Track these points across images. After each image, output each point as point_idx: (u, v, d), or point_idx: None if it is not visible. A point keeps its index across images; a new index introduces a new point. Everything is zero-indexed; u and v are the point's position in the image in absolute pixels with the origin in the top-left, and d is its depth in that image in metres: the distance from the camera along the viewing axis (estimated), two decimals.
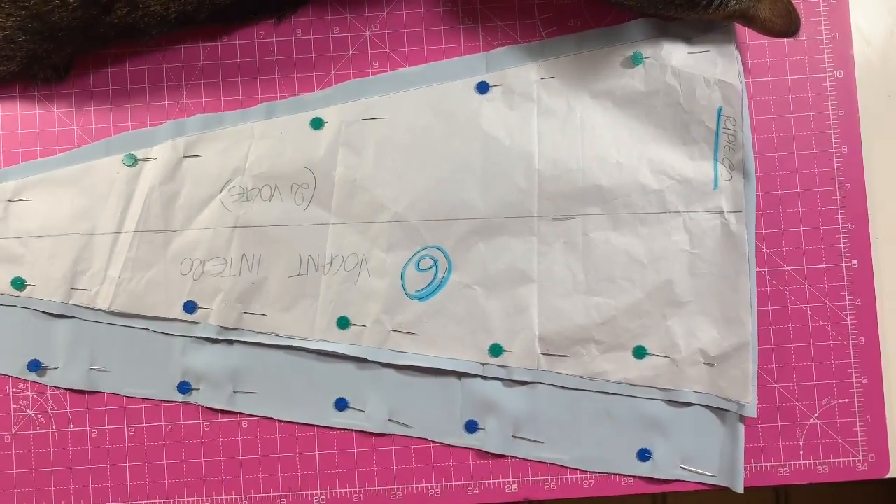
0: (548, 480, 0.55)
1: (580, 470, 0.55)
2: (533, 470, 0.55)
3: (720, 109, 0.54)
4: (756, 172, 0.54)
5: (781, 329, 0.55)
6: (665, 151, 0.54)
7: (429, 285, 0.55)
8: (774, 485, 0.54)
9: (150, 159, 0.55)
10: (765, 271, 0.55)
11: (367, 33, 0.56)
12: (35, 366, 0.56)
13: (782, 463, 0.54)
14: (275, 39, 0.56)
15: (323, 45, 0.56)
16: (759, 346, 0.54)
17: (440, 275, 0.55)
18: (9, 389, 0.56)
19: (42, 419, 0.56)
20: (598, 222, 0.54)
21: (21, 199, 0.56)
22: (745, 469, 0.54)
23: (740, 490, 0.53)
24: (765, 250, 0.55)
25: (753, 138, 0.55)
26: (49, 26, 0.50)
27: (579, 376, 0.54)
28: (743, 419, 0.54)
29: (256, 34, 0.56)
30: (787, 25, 0.51)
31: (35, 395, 0.56)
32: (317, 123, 0.55)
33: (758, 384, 0.53)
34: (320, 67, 0.56)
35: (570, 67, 0.55)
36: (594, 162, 0.54)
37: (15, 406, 0.56)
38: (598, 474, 0.55)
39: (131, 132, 0.56)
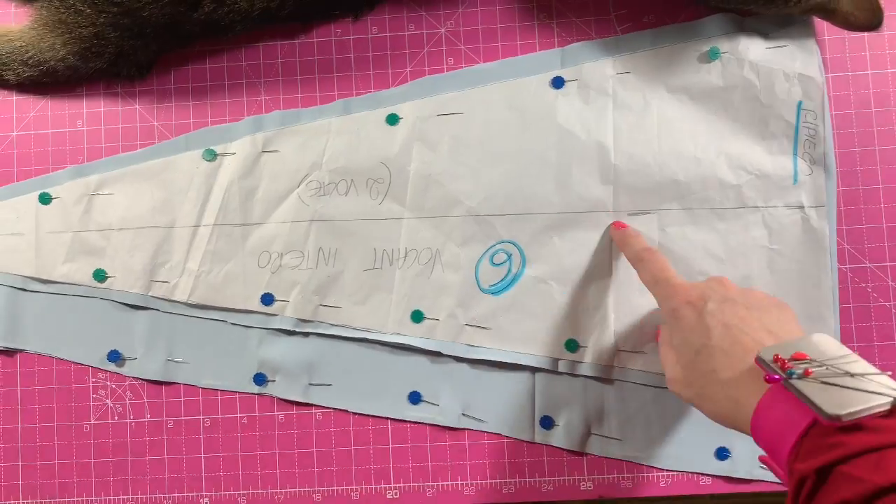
0: (624, 478, 0.54)
1: (657, 468, 0.54)
2: (608, 467, 0.54)
3: (800, 103, 0.53)
4: (836, 167, 0.54)
5: (864, 326, 0.54)
6: (743, 146, 0.54)
7: (503, 280, 0.55)
8: None
9: (229, 154, 0.56)
10: (846, 268, 0.54)
11: (443, 30, 0.57)
12: (114, 356, 0.57)
13: None
14: (351, 37, 0.57)
15: (398, 42, 0.57)
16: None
17: (514, 269, 0.55)
18: (88, 379, 0.57)
19: (120, 409, 0.57)
20: (674, 217, 0.54)
21: (103, 193, 0.57)
22: None
23: None
24: (846, 246, 0.54)
25: (833, 133, 0.54)
26: (139, 23, 0.52)
27: (657, 373, 0.53)
28: None
29: (333, 32, 0.57)
30: (869, 19, 0.51)
31: (114, 386, 0.57)
32: (392, 119, 0.56)
33: None
34: (396, 64, 0.57)
35: (645, 63, 0.55)
36: (671, 157, 0.54)
37: (94, 396, 0.57)
38: (674, 473, 0.54)
39: (210, 128, 0.57)
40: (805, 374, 0.35)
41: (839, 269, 0.53)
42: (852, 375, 0.35)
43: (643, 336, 0.54)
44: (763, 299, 0.43)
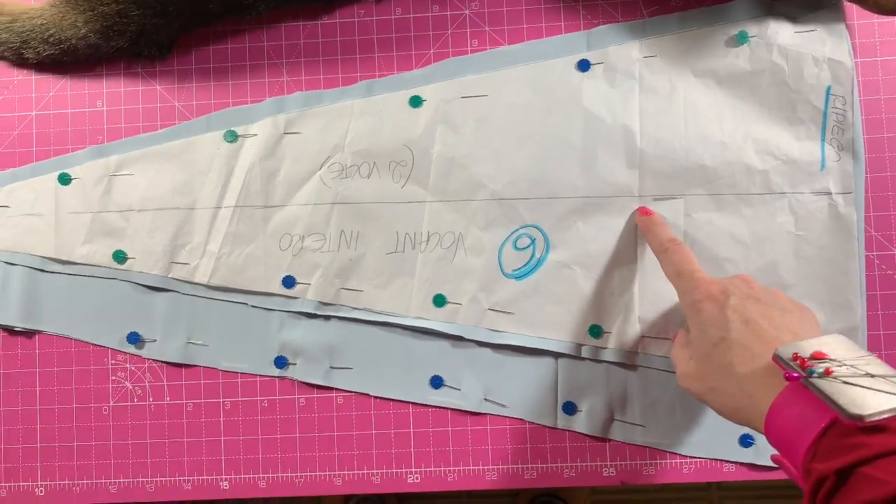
0: (646, 465, 0.54)
1: (680, 455, 0.54)
2: (631, 454, 0.54)
3: (829, 88, 0.53)
4: (864, 153, 0.53)
5: (891, 314, 0.53)
6: (770, 131, 0.53)
7: (526, 264, 0.55)
8: None
9: (251, 136, 0.56)
10: (873, 255, 0.53)
11: (467, 12, 0.56)
12: (134, 338, 0.56)
13: None
14: (374, 18, 0.57)
15: (422, 23, 0.56)
16: (867, 331, 0.52)
17: (538, 254, 0.54)
18: (107, 361, 0.57)
19: (139, 391, 0.57)
20: (700, 203, 0.53)
21: (123, 174, 0.57)
22: None
23: None
24: (873, 233, 0.54)
25: (862, 119, 0.53)
26: (161, 1, 0.51)
27: None
28: None
29: (357, 13, 0.57)
30: None
31: (133, 368, 0.57)
32: (416, 101, 0.55)
33: None
34: (419, 46, 0.56)
35: (672, 46, 0.54)
36: (697, 142, 0.53)
37: (113, 378, 0.57)
38: (698, 459, 0.54)
39: (232, 109, 0.57)
40: (826, 373, 0.34)
41: (866, 256, 0.53)
42: (873, 376, 0.34)
43: (668, 322, 0.53)
44: (787, 301, 0.43)
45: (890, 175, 0.54)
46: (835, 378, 0.34)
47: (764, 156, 0.53)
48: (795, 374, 0.35)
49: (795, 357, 0.36)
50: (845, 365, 0.35)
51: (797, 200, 0.53)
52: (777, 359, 0.37)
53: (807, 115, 0.53)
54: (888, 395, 0.33)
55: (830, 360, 0.35)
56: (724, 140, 0.53)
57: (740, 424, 0.40)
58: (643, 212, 0.53)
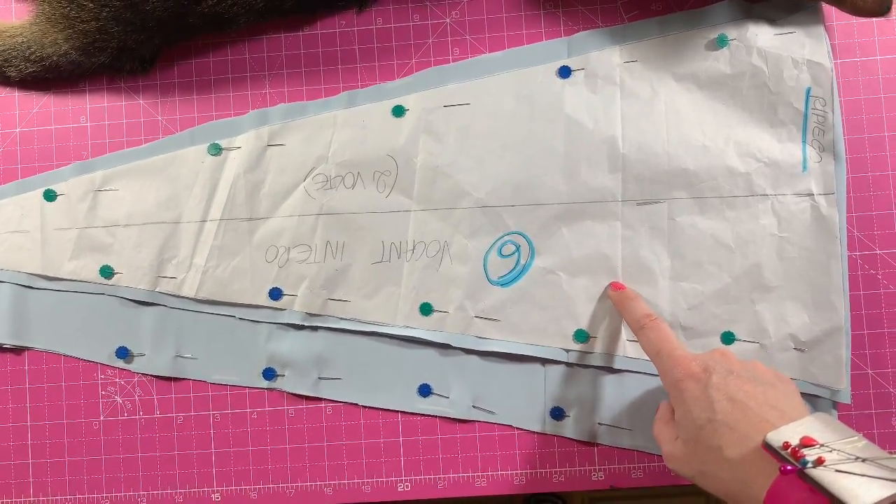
0: (635, 468, 0.54)
1: None
2: (620, 457, 0.54)
3: (809, 90, 0.53)
4: (846, 154, 0.53)
5: (874, 314, 0.54)
6: (752, 134, 0.53)
7: (511, 271, 0.55)
8: None
9: (235, 148, 0.56)
10: (856, 255, 0.54)
11: (448, 20, 0.56)
12: (122, 353, 0.57)
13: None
14: (356, 28, 0.57)
15: (403, 33, 0.56)
16: (851, 331, 0.53)
17: (523, 261, 0.55)
18: (97, 376, 0.57)
19: (129, 405, 0.57)
20: (683, 206, 0.54)
21: (108, 189, 0.57)
22: None
23: None
24: (856, 233, 0.54)
25: (842, 120, 0.54)
26: (141, 16, 0.51)
27: None
28: (836, 406, 0.52)
29: (338, 23, 0.57)
30: (877, 4, 0.50)
31: (122, 382, 0.57)
32: (398, 111, 0.56)
33: (851, 370, 0.52)
34: (401, 55, 0.56)
35: (653, 51, 0.54)
36: (679, 145, 0.54)
37: (103, 392, 0.57)
38: None
39: (215, 122, 0.57)
40: (818, 462, 0.35)
41: (849, 256, 0.53)
42: (864, 461, 0.35)
43: None
44: (766, 373, 0.43)
45: (871, 175, 0.54)
46: (828, 466, 0.35)
47: (746, 158, 0.53)
48: (790, 467, 0.35)
49: (786, 446, 0.36)
50: (834, 450, 0.36)
51: (780, 202, 0.53)
52: (768, 447, 0.37)
53: (788, 117, 0.53)
54: (883, 481, 0.34)
55: (820, 445, 0.36)
56: (706, 143, 0.53)
57: None
58: (615, 286, 0.53)
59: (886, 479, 0.34)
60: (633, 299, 0.51)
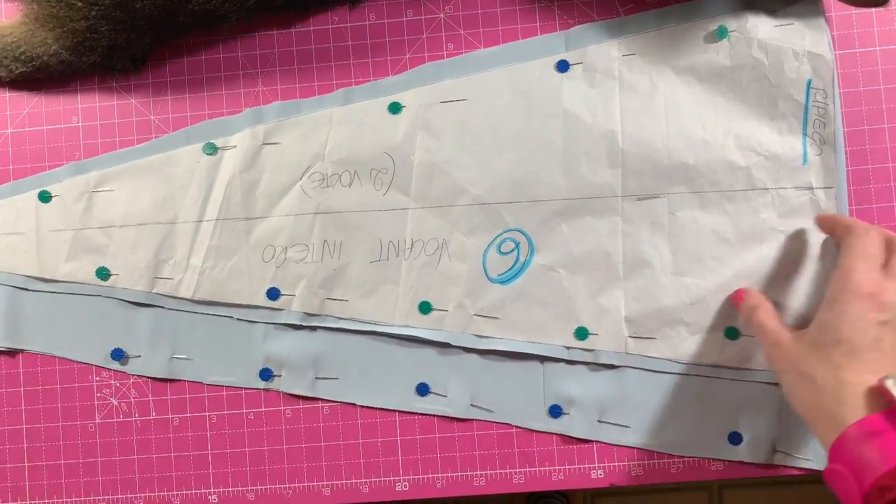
0: (634, 465, 0.54)
1: (668, 454, 0.54)
2: (619, 455, 0.54)
3: (809, 82, 0.52)
4: (845, 147, 0.53)
5: None
6: (752, 127, 0.53)
7: (511, 268, 0.54)
8: None
9: (230, 147, 0.55)
10: None
11: (441, 15, 0.56)
12: (118, 354, 0.56)
13: None
14: (349, 24, 0.56)
15: (397, 28, 0.56)
16: None
17: (522, 258, 0.54)
18: (92, 378, 0.57)
19: (125, 407, 0.56)
20: (684, 201, 0.53)
21: (104, 190, 0.56)
22: None
23: None
24: None
25: (842, 112, 0.53)
26: (131, 15, 0.51)
27: (668, 359, 0.53)
28: None
29: (330, 20, 0.56)
30: None
31: (118, 384, 0.57)
32: (395, 108, 0.55)
33: None
34: (395, 51, 0.56)
35: (651, 44, 0.54)
36: (679, 139, 0.53)
37: (99, 395, 0.57)
38: (686, 459, 0.54)
39: (210, 121, 0.56)
40: None
41: None
42: None
43: (655, 322, 0.53)
44: None
45: (871, 168, 0.53)
46: None
47: (746, 152, 0.53)
48: None
49: None
50: None
51: (780, 196, 0.53)
52: (886, 387, 0.37)
53: (788, 109, 0.52)
54: None
55: None
56: (705, 137, 0.53)
57: (801, 414, 0.41)
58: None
59: None
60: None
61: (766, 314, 0.47)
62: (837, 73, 0.53)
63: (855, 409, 0.38)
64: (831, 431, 0.39)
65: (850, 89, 0.54)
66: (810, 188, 0.52)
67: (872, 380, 0.39)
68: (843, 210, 0.52)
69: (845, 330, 0.41)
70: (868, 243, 0.44)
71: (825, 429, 0.39)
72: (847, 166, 0.53)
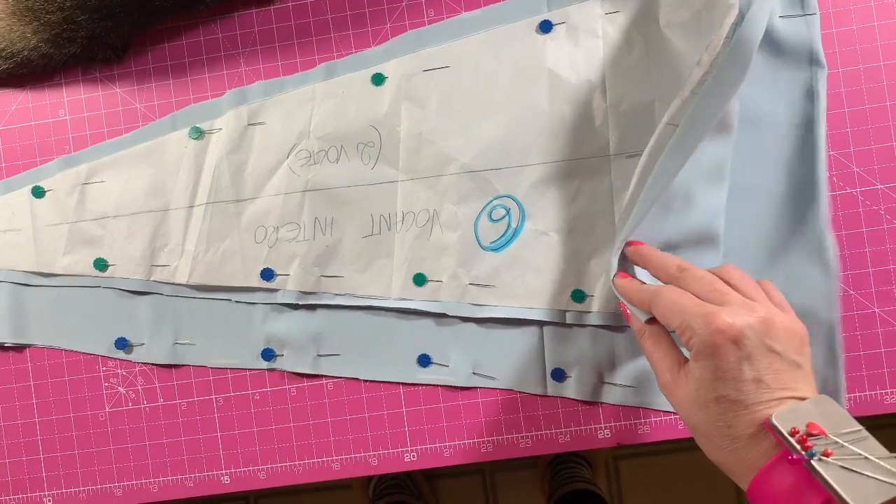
0: (641, 423, 0.54)
1: (673, 411, 0.53)
2: (625, 414, 0.54)
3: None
4: (840, 84, 0.52)
5: (879, 251, 0.52)
6: None
7: (503, 235, 0.54)
8: (882, 413, 0.52)
9: (216, 130, 0.55)
10: (857, 191, 0.52)
11: None
12: (122, 344, 0.57)
13: (889, 391, 0.52)
14: None
15: None
16: (855, 270, 0.51)
17: (514, 224, 0.54)
18: (99, 368, 0.57)
19: (133, 395, 0.57)
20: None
21: (95, 181, 0.56)
22: (848, 399, 0.52)
23: None
24: (855, 169, 0.52)
25: (841, 88, 0.52)
26: (106, 4, 0.50)
27: None
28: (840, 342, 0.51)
29: None
30: None
31: (124, 373, 0.57)
32: (378, 79, 0.54)
33: (856, 310, 0.51)
34: (375, 21, 0.55)
35: (635, 1, 0.52)
36: (667, 94, 0.52)
37: (106, 384, 0.57)
38: None
39: (196, 105, 0.56)
40: (825, 455, 0.35)
41: (851, 192, 0.52)
42: (867, 459, 0.35)
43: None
44: (800, 349, 0.39)
45: (868, 108, 0.52)
46: (834, 461, 0.35)
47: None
48: (796, 457, 0.35)
49: (794, 431, 0.35)
50: (840, 443, 0.35)
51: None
52: (774, 430, 0.36)
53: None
54: (886, 484, 0.34)
55: (826, 437, 0.35)
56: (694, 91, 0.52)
57: (721, 468, 0.40)
58: (632, 244, 0.47)
59: (886, 482, 0.34)
60: (658, 251, 0.47)
61: (653, 343, 0.43)
62: (835, 52, 0.52)
63: (755, 459, 0.37)
64: (740, 481, 0.38)
65: (844, 28, 0.52)
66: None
67: (760, 418, 0.37)
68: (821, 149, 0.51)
69: (720, 386, 0.38)
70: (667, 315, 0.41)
71: (736, 479, 0.39)
72: (844, 107, 0.52)
